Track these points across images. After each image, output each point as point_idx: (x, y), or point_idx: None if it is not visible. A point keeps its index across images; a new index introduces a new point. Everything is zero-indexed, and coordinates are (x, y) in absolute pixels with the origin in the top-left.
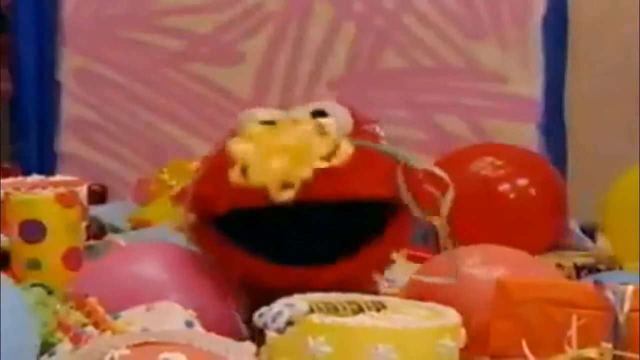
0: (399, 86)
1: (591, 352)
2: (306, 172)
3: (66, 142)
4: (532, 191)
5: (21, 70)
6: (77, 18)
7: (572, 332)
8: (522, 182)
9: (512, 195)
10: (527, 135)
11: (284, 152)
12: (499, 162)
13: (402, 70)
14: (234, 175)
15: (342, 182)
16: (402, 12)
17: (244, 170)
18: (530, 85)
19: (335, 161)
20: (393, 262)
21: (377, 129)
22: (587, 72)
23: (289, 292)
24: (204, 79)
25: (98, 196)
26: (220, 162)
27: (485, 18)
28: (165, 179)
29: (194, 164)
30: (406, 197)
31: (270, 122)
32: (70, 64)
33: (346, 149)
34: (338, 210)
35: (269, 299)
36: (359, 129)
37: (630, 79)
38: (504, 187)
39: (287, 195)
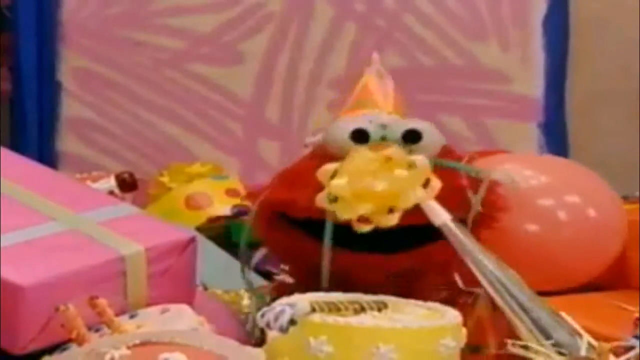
0: (399, 86)
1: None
2: (392, 221)
3: (66, 142)
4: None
5: (21, 70)
6: (77, 18)
7: None
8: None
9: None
10: (528, 134)
11: (375, 197)
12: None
13: (403, 70)
14: (321, 199)
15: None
16: (402, 12)
17: (332, 198)
18: (531, 84)
19: (424, 197)
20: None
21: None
22: (588, 71)
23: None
24: (204, 79)
25: (129, 184)
26: (309, 174)
27: (487, 18)
28: (165, 181)
29: (194, 167)
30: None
31: (363, 134)
32: (70, 64)
33: (436, 184)
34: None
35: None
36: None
37: (631, 79)
38: None
39: (367, 228)
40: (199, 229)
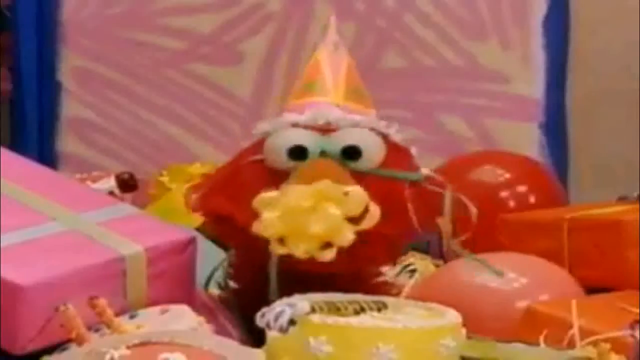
0: (399, 86)
1: (590, 352)
2: (328, 255)
3: (66, 142)
4: (532, 199)
5: (21, 70)
6: (77, 18)
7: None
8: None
9: (512, 204)
10: (528, 135)
11: (308, 237)
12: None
13: (403, 70)
14: (257, 227)
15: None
16: (403, 11)
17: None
18: (532, 84)
19: (362, 226)
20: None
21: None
22: (589, 71)
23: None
24: (204, 79)
25: (129, 185)
26: (247, 187)
27: (487, 18)
28: (165, 181)
29: (194, 167)
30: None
31: (301, 151)
32: (70, 64)
33: (374, 214)
34: None
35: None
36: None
37: (631, 79)
38: (505, 194)
39: (282, 251)
40: (199, 229)
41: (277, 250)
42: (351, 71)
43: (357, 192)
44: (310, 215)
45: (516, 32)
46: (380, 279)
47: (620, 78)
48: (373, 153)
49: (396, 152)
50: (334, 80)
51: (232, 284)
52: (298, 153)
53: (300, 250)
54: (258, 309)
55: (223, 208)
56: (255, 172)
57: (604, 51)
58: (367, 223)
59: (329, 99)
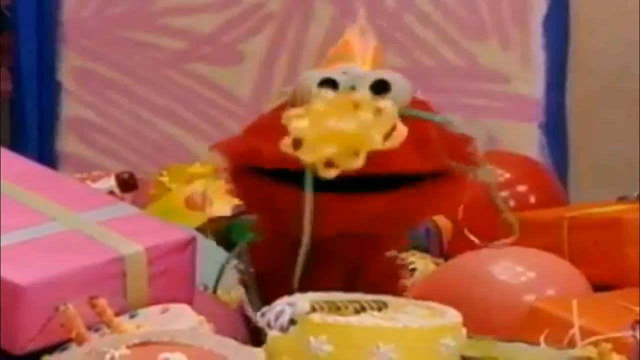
0: None
1: (591, 352)
2: (357, 163)
3: (66, 142)
4: (532, 199)
5: (21, 70)
6: (77, 18)
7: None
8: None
9: (512, 204)
10: (528, 134)
11: (339, 138)
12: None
13: (403, 70)
14: (285, 145)
15: (392, 161)
16: (403, 11)
17: (296, 143)
18: (532, 84)
19: (389, 144)
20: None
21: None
22: (589, 71)
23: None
24: (204, 79)
25: (129, 184)
26: (276, 122)
27: (487, 18)
28: (165, 181)
29: (194, 167)
30: (454, 164)
31: (332, 83)
32: (70, 64)
33: (401, 131)
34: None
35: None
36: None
37: (631, 79)
38: (505, 194)
39: (333, 173)
40: (199, 229)
41: (304, 155)
42: (378, 53)
43: (388, 108)
44: (341, 117)
45: (516, 32)
46: (398, 261)
47: (620, 78)
48: (401, 90)
49: (421, 104)
50: (361, 55)
51: (251, 269)
52: (327, 86)
53: (330, 150)
54: (280, 294)
55: (248, 144)
56: (281, 112)
57: (604, 51)
58: (394, 141)
59: (357, 65)
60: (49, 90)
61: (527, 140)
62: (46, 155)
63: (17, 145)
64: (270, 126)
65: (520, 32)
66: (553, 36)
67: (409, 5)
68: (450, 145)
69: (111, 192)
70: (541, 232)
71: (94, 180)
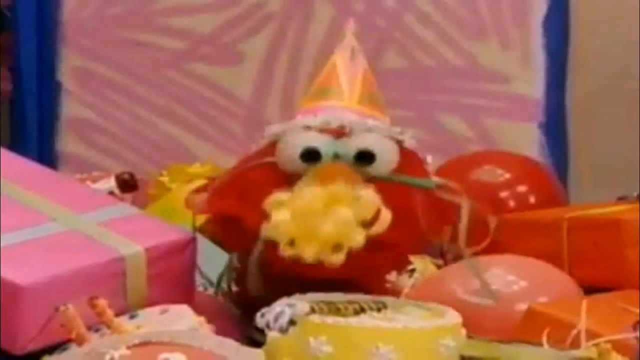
0: (400, 86)
1: (591, 352)
2: (338, 259)
3: (66, 142)
4: (532, 199)
5: (21, 70)
6: (77, 18)
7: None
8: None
9: (512, 204)
10: (528, 135)
11: (319, 238)
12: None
13: (403, 70)
14: (265, 229)
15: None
16: (403, 11)
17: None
18: (532, 84)
19: (375, 229)
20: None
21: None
22: (589, 71)
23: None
24: (204, 79)
25: (129, 185)
26: (258, 189)
27: (487, 18)
28: (165, 181)
29: (194, 167)
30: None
31: (314, 153)
32: (70, 64)
33: (385, 219)
34: None
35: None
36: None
37: (631, 79)
38: (505, 194)
39: (291, 252)
40: (199, 229)
41: (286, 252)
42: (367, 77)
43: (369, 196)
44: (321, 217)
45: (516, 32)
46: (387, 285)
47: (620, 78)
48: (387, 158)
49: (409, 159)
50: (349, 86)
51: (234, 287)
52: (311, 156)
53: (309, 252)
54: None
55: (232, 209)
56: (266, 174)
57: (604, 51)
58: (378, 228)
59: (343, 103)
60: (49, 90)
61: (527, 140)
62: (46, 155)
63: (17, 145)
64: (254, 192)
65: (520, 32)
66: (553, 36)
67: (409, 5)
68: (434, 211)
69: (111, 193)
70: (540, 234)
71: (94, 180)
